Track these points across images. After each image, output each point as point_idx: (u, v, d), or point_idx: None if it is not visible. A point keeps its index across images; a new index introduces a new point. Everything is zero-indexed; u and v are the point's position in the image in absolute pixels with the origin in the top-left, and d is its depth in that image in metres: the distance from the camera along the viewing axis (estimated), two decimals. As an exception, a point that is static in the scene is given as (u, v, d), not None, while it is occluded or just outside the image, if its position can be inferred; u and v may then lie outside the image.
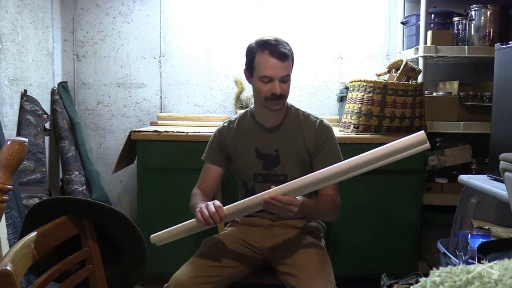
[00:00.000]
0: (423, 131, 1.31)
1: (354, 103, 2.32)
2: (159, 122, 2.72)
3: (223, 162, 1.75)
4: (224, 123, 1.78)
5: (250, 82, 1.68)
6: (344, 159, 1.70)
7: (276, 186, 1.44)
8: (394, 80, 2.28)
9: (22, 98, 2.32)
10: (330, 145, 1.69)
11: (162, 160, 2.30)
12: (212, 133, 1.79)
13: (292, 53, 1.61)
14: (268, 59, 1.56)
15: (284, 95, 1.61)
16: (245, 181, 1.75)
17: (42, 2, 2.54)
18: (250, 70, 1.64)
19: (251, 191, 1.73)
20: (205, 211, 1.45)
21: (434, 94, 2.57)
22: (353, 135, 2.27)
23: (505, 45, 1.77)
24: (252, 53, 1.60)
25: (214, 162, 1.74)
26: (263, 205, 1.42)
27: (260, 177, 1.71)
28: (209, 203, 1.47)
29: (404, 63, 2.29)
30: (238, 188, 1.83)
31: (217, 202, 1.47)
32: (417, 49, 2.44)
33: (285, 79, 1.59)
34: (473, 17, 2.41)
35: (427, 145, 1.31)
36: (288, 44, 1.61)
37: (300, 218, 1.72)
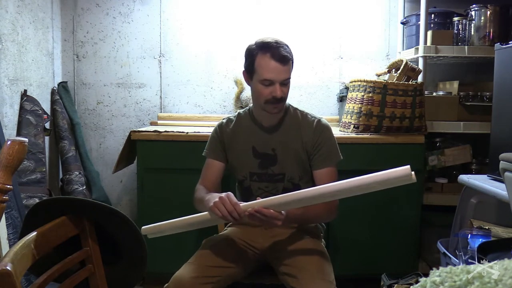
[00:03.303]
0: (408, 166, 1.27)
1: (354, 103, 2.32)
2: (159, 122, 2.72)
3: (224, 157, 1.75)
4: (223, 119, 1.79)
5: (249, 84, 1.68)
6: (344, 160, 1.72)
7: (261, 197, 1.46)
8: (394, 80, 2.28)
9: (22, 98, 2.32)
10: (328, 144, 1.68)
11: (162, 160, 2.29)
12: (212, 129, 1.79)
13: (292, 56, 1.61)
14: (269, 62, 1.55)
15: (284, 99, 1.62)
16: (241, 180, 1.75)
17: (42, 2, 2.54)
18: (250, 72, 1.63)
19: (247, 190, 1.73)
20: (223, 207, 1.41)
21: (434, 94, 2.57)
22: (353, 135, 2.27)
23: (505, 45, 1.77)
24: (252, 55, 1.59)
25: (216, 157, 1.74)
26: (248, 217, 1.43)
27: (256, 176, 1.71)
28: (223, 196, 1.43)
29: (404, 63, 2.29)
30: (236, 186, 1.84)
31: (233, 197, 1.44)
32: (417, 49, 2.43)
33: (286, 82, 1.60)
34: (473, 17, 2.41)
35: (413, 178, 1.27)
36: (288, 47, 1.61)
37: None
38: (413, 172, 1.27)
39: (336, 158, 1.70)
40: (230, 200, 1.42)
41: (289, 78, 1.61)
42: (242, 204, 1.46)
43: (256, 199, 1.72)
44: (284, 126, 1.70)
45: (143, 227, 1.55)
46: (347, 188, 1.35)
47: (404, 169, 1.27)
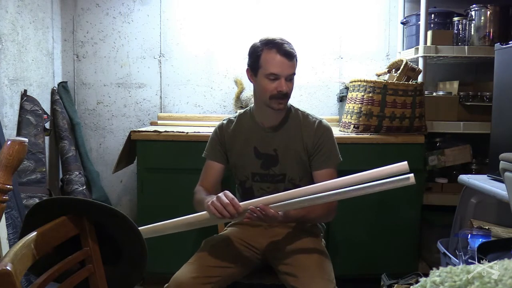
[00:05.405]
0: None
1: (354, 103, 2.32)
2: (159, 122, 2.72)
3: (224, 159, 1.75)
4: (224, 120, 1.79)
5: (252, 81, 1.68)
6: (344, 160, 1.72)
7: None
8: (394, 80, 2.28)
9: (22, 98, 2.32)
10: (329, 146, 1.69)
11: (162, 160, 2.29)
12: (212, 131, 1.79)
13: (296, 54, 1.63)
14: (275, 56, 1.58)
15: (289, 94, 1.63)
16: (243, 181, 1.75)
17: (42, 2, 2.54)
18: (254, 69, 1.64)
19: (249, 190, 1.73)
20: (218, 203, 1.45)
21: (434, 94, 2.57)
22: (353, 135, 2.27)
23: (505, 45, 1.77)
24: (257, 51, 1.61)
25: (216, 158, 1.74)
26: (249, 213, 1.46)
27: (258, 177, 1.71)
28: (220, 194, 1.46)
29: (404, 63, 2.29)
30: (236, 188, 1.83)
31: (229, 194, 1.47)
32: (417, 49, 2.43)
33: (291, 78, 1.62)
34: (473, 17, 2.41)
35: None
36: (292, 45, 1.63)
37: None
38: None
39: (336, 159, 1.70)
40: (227, 196, 1.46)
41: (294, 74, 1.63)
42: (242, 203, 1.47)
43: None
44: (285, 126, 1.70)
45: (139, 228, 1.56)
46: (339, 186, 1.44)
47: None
